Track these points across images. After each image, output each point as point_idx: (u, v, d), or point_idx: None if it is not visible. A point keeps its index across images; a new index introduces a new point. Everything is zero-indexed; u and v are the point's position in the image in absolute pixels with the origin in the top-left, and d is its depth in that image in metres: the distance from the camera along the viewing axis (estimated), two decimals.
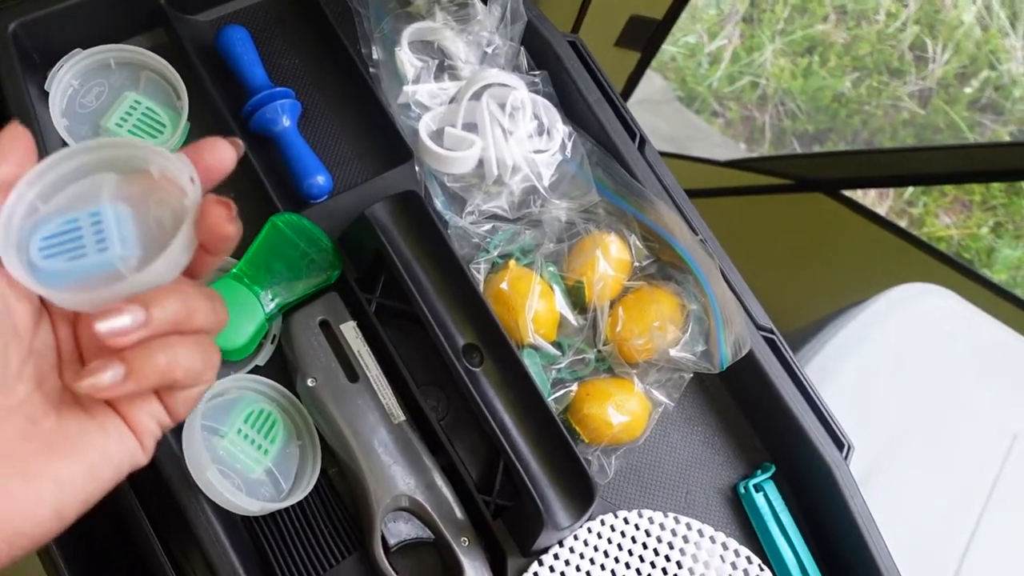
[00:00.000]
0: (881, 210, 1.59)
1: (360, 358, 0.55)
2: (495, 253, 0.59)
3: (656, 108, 1.55)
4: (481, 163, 0.62)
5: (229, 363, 0.55)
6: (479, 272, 0.59)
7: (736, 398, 0.62)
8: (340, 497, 0.56)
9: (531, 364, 0.57)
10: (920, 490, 0.88)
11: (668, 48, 1.61)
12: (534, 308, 0.56)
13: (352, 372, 0.55)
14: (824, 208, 1.25)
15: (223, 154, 0.35)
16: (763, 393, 0.59)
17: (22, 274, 0.33)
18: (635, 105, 1.51)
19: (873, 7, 1.61)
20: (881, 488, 0.87)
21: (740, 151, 1.55)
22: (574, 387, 0.58)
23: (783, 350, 0.60)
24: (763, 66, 1.60)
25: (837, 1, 1.62)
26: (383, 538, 0.53)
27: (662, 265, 0.61)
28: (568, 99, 0.64)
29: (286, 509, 0.54)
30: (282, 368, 0.56)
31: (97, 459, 0.33)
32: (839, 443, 0.58)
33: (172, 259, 0.34)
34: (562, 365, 0.58)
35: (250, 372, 0.56)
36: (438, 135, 0.62)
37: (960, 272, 1.47)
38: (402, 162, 0.61)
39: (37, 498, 0.31)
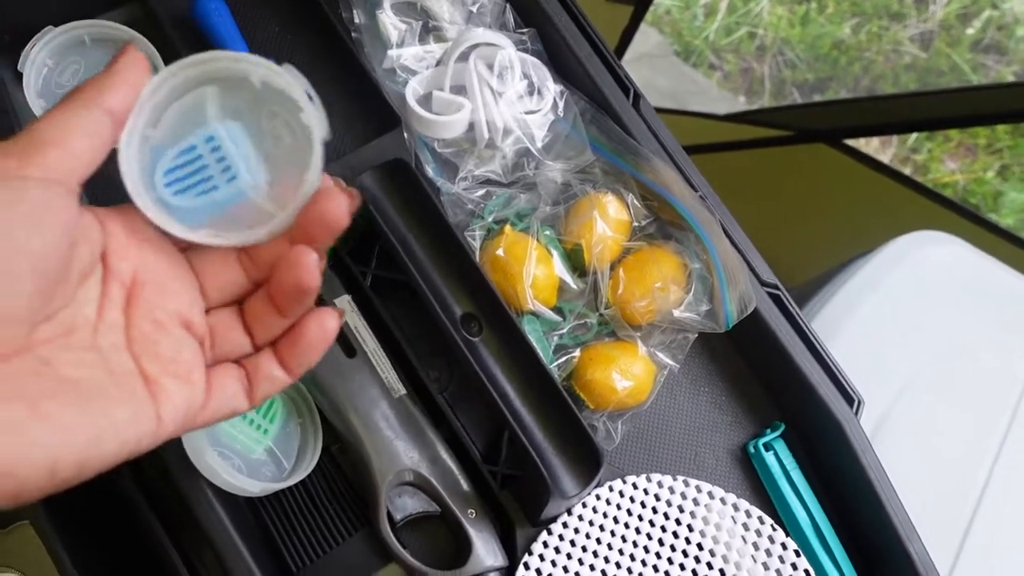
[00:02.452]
0: (885, 158, 1.57)
1: (357, 332, 0.54)
2: (490, 219, 0.58)
3: (653, 63, 1.52)
4: (472, 127, 0.60)
5: None
6: (474, 239, 0.57)
7: (743, 357, 0.61)
8: (344, 474, 0.55)
9: (532, 331, 0.56)
10: (932, 440, 0.87)
11: (663, 1, 1.58)
12: (532, 274, 0.55)
13: (349, 347, 0.54)
14: (826, 158, 1.23)
15: (333, 204, 0.33)
16: (770, 351, 0.58)
17: (161, 218, 0.32)
18: (631, 61, 1.48)
19: None
20: (893, 440, 0.86)
21: (739, 104, 1.52)
22: (576, 353, 0.56)
23: (789, 306, 0.59)
24: (760, 15, 1.57)
25: None
26: (389, 514, 0.52)
27: (662, 224, 0.59)
28: (558, 56, 0.61)
29: (290, 489, 0.53)
30: None
31: (108, 423, 0.30)
32: (849, 398, 0.57)
33: (316, 174, 0.33)
34: (564, 331, 0.56)
35: None
36: (426, 100, 0.60)
37: (966, 218, 1.45)
38: (390, 129, 0.59)
39: (37, 439, 0.28)
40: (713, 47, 1.55)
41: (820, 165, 1.25)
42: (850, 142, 1.37)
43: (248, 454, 0.52)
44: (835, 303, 0.94)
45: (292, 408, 0.54)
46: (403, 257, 0.50)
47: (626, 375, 0.55)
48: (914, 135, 1.54)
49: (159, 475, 0.51)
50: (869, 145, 1.57)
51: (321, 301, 0.55)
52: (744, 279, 0.54)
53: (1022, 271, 1.01)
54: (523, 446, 0.48)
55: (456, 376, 0.55)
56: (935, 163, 1.58)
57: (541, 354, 0.52)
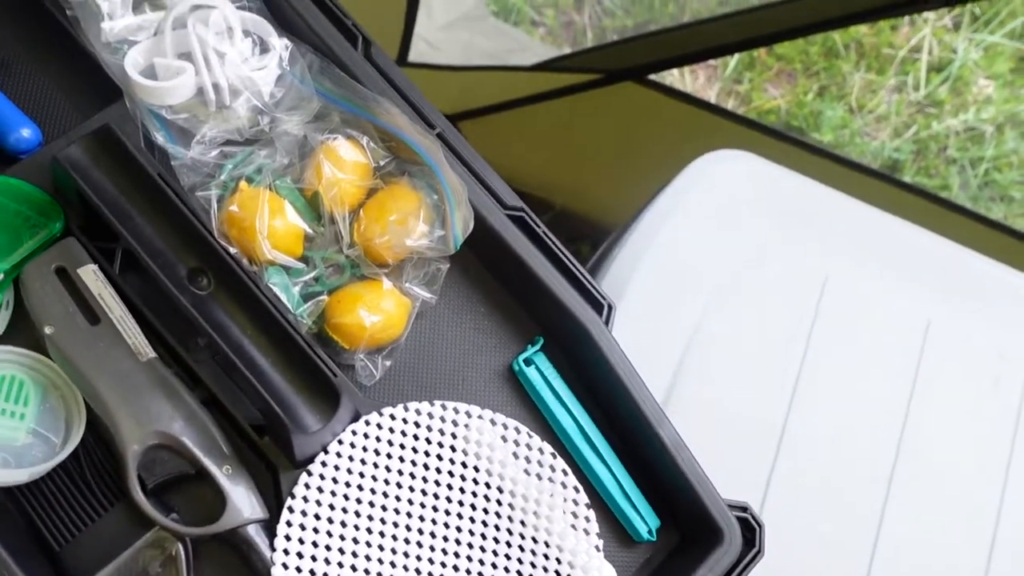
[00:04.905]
0: (711, 94, 1.62)
1: (102, 300, 0.54)
2: (223, 177, 0.58)
3: (472, 26, 1.52)
4: (202, 92, 0.60)
5: None
6: (210, 200, 0.57)
7: (500, 281, 0.63)
8: (107, 445, 0.55)
9: (279, 282, 0.57)
10: (743, 347, 0.92)
11: None
12: (267, 224, 0.56)
13: (93, 315, 0.54)
14: (638, 98, 1.27)
15: None
16: (518, 271, 0.60)
17: None
18: (449, 25, 1.49)
19: None
20: (707, 352, 0.90)
21: None
22: (326, 297, 0.57)
23: (534, 226, 0.61)
24: None
25: None
26: (142, 479, 0.52)
27: (401, 162, 0.61)
28: (279, 11, 0.62)
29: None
30: (30, 335, 0.54)
31: None
32: (597, 305, 0.60)
33: None
34: (308, 277, 0.57)
35: None
36: (152, 69, 0.60)
37: (787, 142, 1.51)
38: (113, 102, 0.59)
39: None
40: (531, 3, 1.58)
41: (632, 105, 1.28)
42: (665, 80, 1.41)
43: (11, 443, 0.51)
44: (639, 231, 0.98)
45: (46, 383, 0.54)
46: (115, 223, 0.50)
47: (374, 311, 0.56)
48: (732, 66, 1.60)
49: None
50: (696, 82, 1.63)
51: (63, 271, 0.54)
52: (466, 202, 0.56)
53: (842, 188, 1.07)
54: (252, 387, 0.49)
55: None
56: (757, 92, 1.64)
57: (272, 301, 0.53)
